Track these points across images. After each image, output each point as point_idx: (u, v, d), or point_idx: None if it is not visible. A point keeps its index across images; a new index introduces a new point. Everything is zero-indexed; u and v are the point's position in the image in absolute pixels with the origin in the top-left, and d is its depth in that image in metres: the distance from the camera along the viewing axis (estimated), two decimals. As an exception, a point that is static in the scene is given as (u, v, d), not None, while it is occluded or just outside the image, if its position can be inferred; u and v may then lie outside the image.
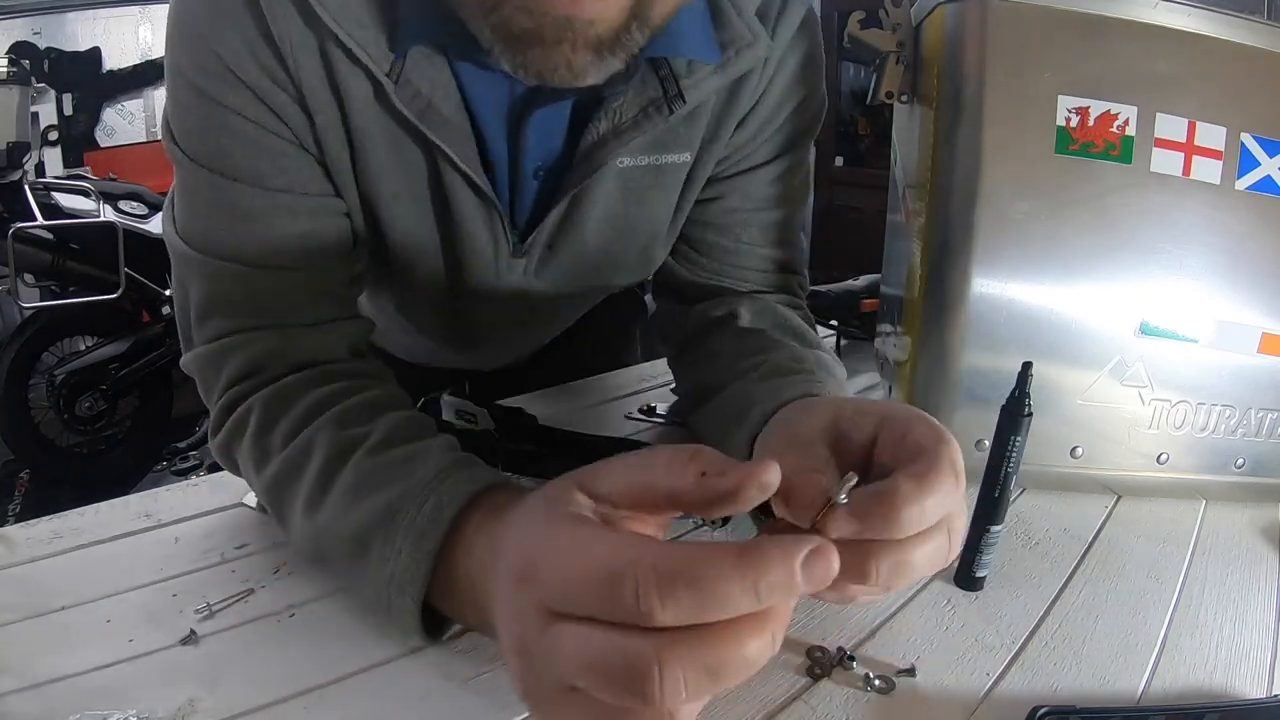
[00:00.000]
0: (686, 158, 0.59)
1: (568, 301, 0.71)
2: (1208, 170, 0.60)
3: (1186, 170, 0.60)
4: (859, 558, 0.33)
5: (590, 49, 0.42)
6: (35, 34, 3.73)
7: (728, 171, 0.63)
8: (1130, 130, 0.59)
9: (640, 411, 0.77)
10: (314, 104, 0.50)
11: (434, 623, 0.42)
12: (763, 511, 0.39)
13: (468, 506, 0.41)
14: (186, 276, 0.54)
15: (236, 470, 0.54)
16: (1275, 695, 0.44)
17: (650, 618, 0.27)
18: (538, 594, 0.30)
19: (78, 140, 3.85)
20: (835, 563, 0.27)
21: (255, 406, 0.51)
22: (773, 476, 0.31)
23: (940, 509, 0.34)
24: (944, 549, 0.35)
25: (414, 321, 0.74)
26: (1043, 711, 0.40)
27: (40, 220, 2.37)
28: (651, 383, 0.85)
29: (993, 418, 0.49)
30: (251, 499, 0.58)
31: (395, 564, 0.41)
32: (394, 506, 0.42)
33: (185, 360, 0.55)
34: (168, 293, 2.62)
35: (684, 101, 0.52)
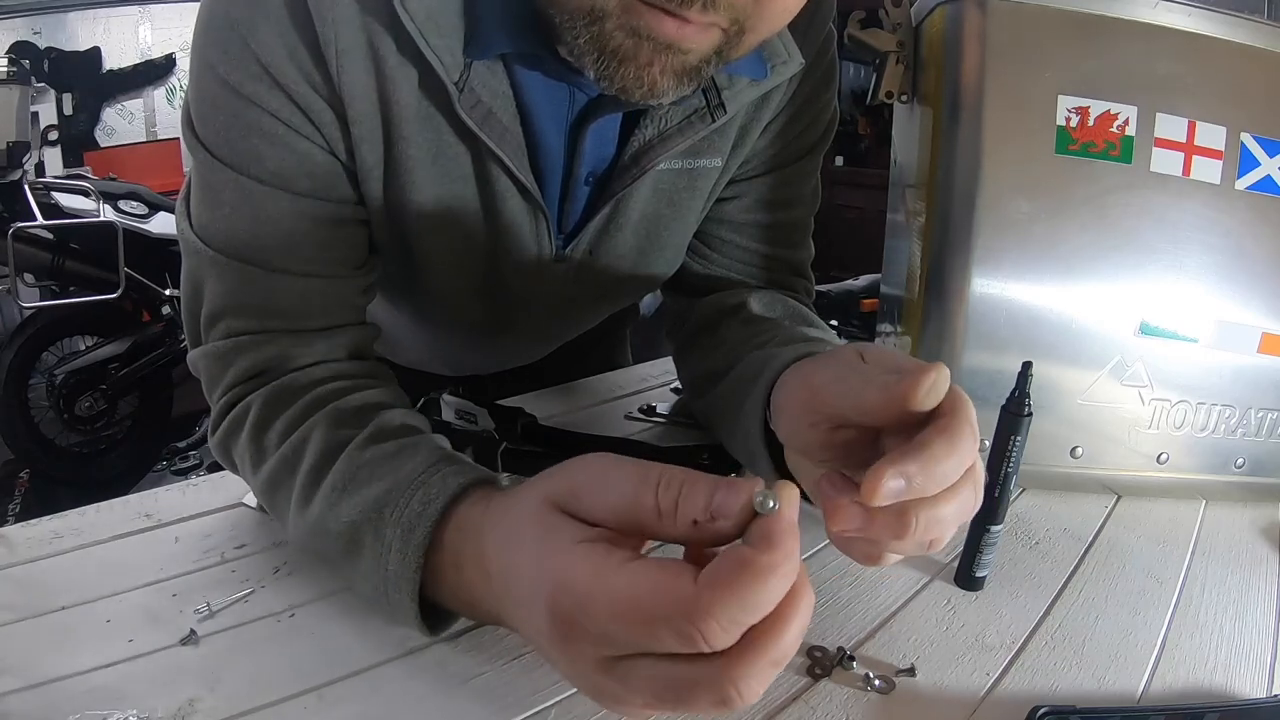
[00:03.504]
0: (718, 163, 0.61)
1: (602, 304, 0.71)
2: (1208, 170, 0.60)
3: (1186, 170, 0.60)
4: (898, 515, 0.35)
5: (675, 74, 0.44)
6: (35, 34, 3.73)
7: (747, 174, 0.65)
8: (1130, 130, 0.59)
9: (640, 411, 0.77)
10: (354, 111, 0.50)
11: (436, 616, 0.42)
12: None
13: (455, 499, 0.41)
14: (200, 274, 0.53)
15: (235, 468, 0.54)
16: (1275, 695, 0.44)
17: (715, 647, 0.28)
18: (590, 648, 0.31)
19: (77, 140, 3.85)
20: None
21: (254, 404, 0.51)
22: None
23: (967, 462, 0.36)
24: (971, 499, 0.37)
25: (441, 325, 0.74)
26: (1043, 711, 0.40)
27: (40, 220, 2.37)
28: (651, 383, 0.85)
29: (993, 418, 0.49)
30: (251, 499, 0.58)
31: (387, 559, 0.41)
32: (381, 501, 0.42)
33: (192, 356, 0.55)
34: (168, 293, 2.62)
35: (724, 111, 0.54)
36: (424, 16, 0.47)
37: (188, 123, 0.52)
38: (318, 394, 0.50)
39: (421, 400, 0.62)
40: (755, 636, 0.29)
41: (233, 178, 0.51)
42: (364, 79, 0.49)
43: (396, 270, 0.60)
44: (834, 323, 0.97)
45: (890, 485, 0.34)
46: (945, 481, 0.35)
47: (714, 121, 0.55)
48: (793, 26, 0.54)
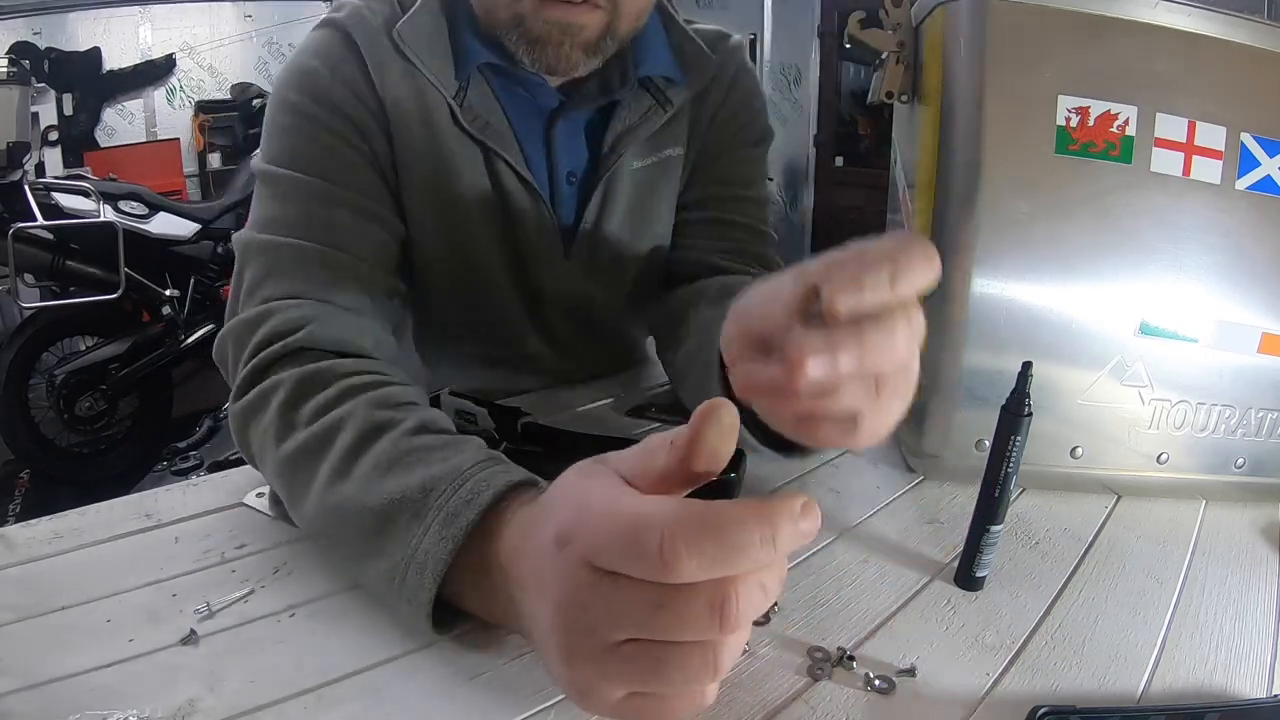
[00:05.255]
0: (680, 150, 0.75)
1: (613, 293, 0.78)
2: (1208, 170, 0.60)
3: (1186, 170, 0.60)
4: (853, 334, 0.32)
5: (581, 49, 0.63)
6: (35, 34, 3.73)
7: (707, 159, 0.78)
8: (1130, 130, 0.59)
9: (641, 411, 0.77)
10: (399, 126, 0.65)
11: (441, 613, 0.42)
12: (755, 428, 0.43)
13: (503, 496, 0.41)
14: (246, 262, 0.60)
15: (247, 443, 0.54)
16: (1275, 695, 0.44)
17: (673, 569, 0.27)
18: (578, 551, 0.31)
19: (78, 140, 3.85)
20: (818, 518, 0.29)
21: (285, 383, 0.52)
22: (719, 408, 0.31)
23: (911, 283, 0.33)
24: (920, 323, 0.35)
25: (477, 334, 0.79)
26: (1043, 711, 0.40)
27: (40, 220, 2.37)
28: (651, 383, 0.85)
29: (993, 418, 0.49)
30: (252, 498, 0.58)
31: (420, 541, 0.41)
32: (428, 485, 0.43)
33: (222, 332, 0.59)
34: (168, 293, 2.62)
35: (671, 104, 0.72)
36: (418, 45, 0.64)
37: (262, 158, 0.64)
38: (352, 382, 0.52)
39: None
40: (724, 584, 0.28)
41: (291, 176, 0.62)
42: (411, 97, 0.65)
43: (445, 277, 0.71)
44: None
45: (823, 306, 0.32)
46: (878, 300, 0.32)
47: (665, 112, 0.71)
48: (706, 38, 0.75)
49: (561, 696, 0.40)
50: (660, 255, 0.78)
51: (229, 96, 4.29)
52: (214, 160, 4.23)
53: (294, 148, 0.63)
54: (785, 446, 0.49)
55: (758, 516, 0.28)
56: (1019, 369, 0.48)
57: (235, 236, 0.63)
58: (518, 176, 0.68)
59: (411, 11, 0.65)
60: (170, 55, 4.14)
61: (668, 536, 0.27)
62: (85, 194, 2.50)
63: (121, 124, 4.08)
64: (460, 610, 0.43)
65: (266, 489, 0.58)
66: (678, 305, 0.71)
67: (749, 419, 0.39)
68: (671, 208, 0.77)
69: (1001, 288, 0.61)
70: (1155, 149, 0.59)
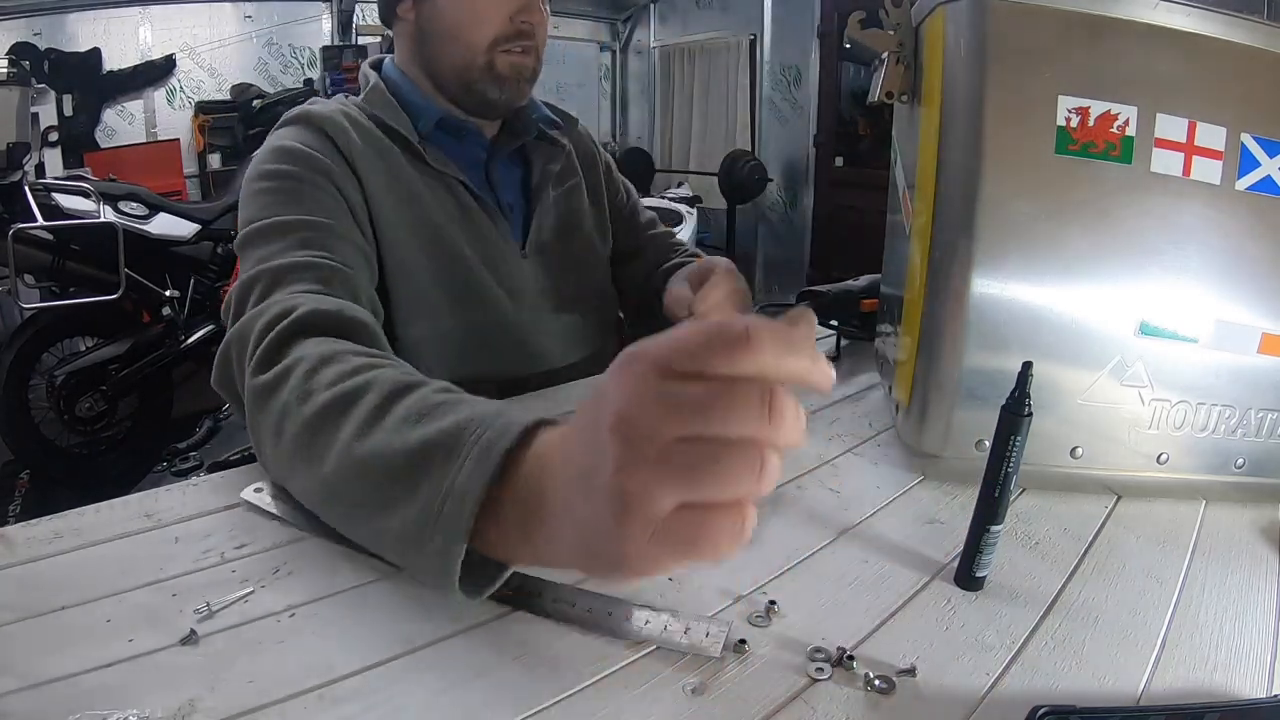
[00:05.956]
0: (578, 179, 1.03)
1: (567, 285, 0.98)
2: (1208, 170, 0.60)
3: (1186, 170, 0.60)
4: None
5: (527, 83, 0.91)
6: (35, 35, 3.74)
7: (617, 203, 1.11)
8: (1130, 130, 0.59)
9: None
10: (365, 172, 0.82)
11: (469, 569, 0.42)
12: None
13: (536, 426, 0.41)
14: (246, 295, 0.66)
15: (265, 417, 0.54)
16: (1275, 695, 0.44)
17: (757, 345, 0.30)
18: (649, 358, 0.32)
19: (78, 141, 3.85)
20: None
21: (307, 357, 0.54)
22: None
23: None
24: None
25: (467, 332, 0.90)
26: (1043, 711, 0.40)
27: (40, 221, 2.37)
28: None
29: (993, 418, 0.49)
30: (250, 493, 0.58)
31: (458, 473, 0.41)
32: (462, 425, 0.43)
33: (224, 341, 0.63)
34: (168, 293, 2.62)
35: (564, 145, 1.02)
36: (384, 113, 0.87)
37: (242, 227, 0.74)
38: (373, 356, 0.55)
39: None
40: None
41: (275, 221, 0.73)
42: (368, 153, 0.83)
43: (435, 286, 0.85)
44: (834, 322, 0.97)
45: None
46: None
47: (563, 149, 1.01)
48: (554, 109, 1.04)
49: (562, 696, 0.40)
50: (594, 245, 1.03)
51: (229, 97, 4.30)
52: (214, 161, 4.23)
53: (274, 201, 0.75)
54: None
55: (804, 328, 0.32)
56: (1019, 369, 0.48)
57: (228, 292, 0.69)
58: (473, 196, 0.89)
59: (366, 92, 0.90)
60: (170, 56, 4.14)
61: (751, 323, 0.30)
62: (85, 195, 2.50)
63: (121, 125, 4.08)
64: (486, 566, 0.43)
65: (266, 484, 0.58)
66: (635, 303, 1.08)
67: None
68: (588, 213, 1.03)
69: (1001, 288, 0.61)
70: (1155, 149, 0.59)
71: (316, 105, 0.85)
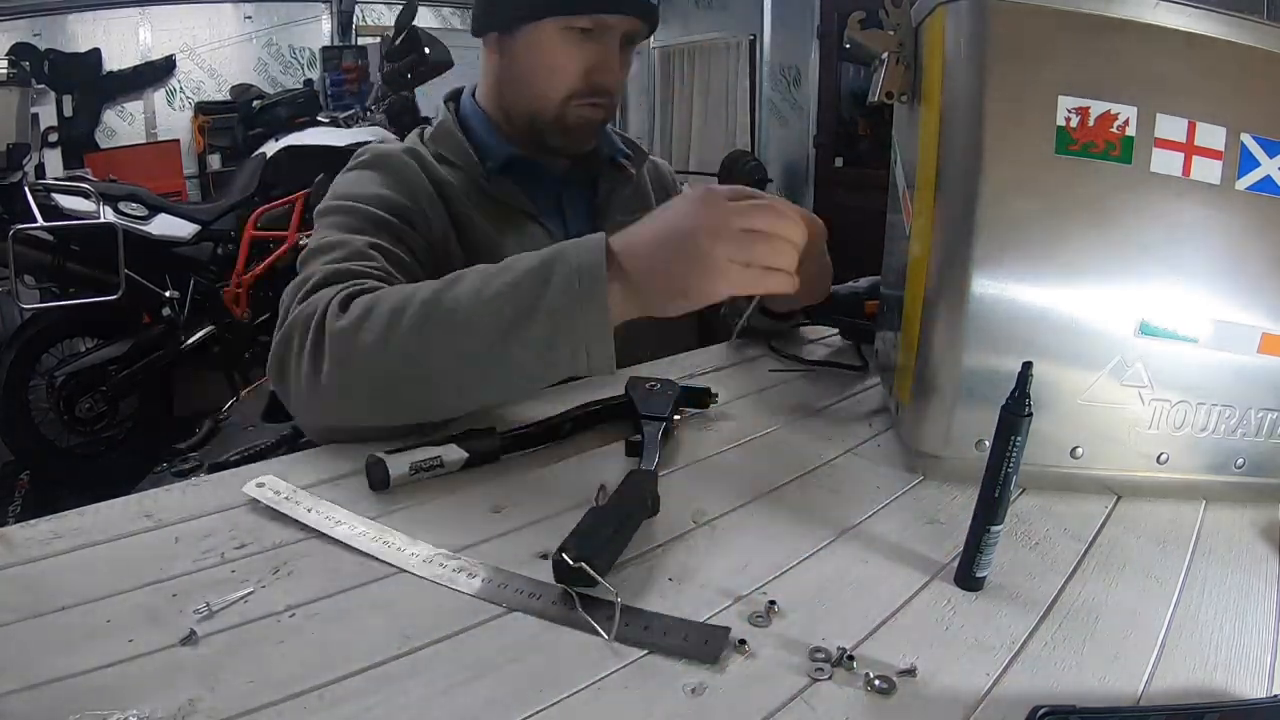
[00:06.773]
0: (651, 205, 1.01)
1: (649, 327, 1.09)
2: (1208, 170, 0.60)
3: (1186, 170, 0.59)
4: None
5: (594, 134, 0.97)
6: (35, 35, 3.74)
7: None
8: (1130, 130, 0.59)
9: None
10: (427, 205, 0.88)
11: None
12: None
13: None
14: (304, 265, 0.76)
15: (332, 334, 0.64)
16: (1275, 695, 0.44)
17: (781, 207, 0.63)
18: (723, 190, 0.63)
19: (77, 141, 3.86)
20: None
21: (391, 289, 0.67)
22: None
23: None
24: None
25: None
26: (1043, 711, 0.40)
27: (40, 221, 2.37)
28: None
29: (993, 418, 0.49)
30: (251, 487, 0.57)
31: (579, 259, 0.60)
32: (544, 257, 0.62)
33: (276, 340, 0.69)
34: (168, 294, 2.62)
35: (632, 173, 1.06)
36: (448, 147, 0.95)
37: (312, 255, 0.78)
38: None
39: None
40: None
41: (343, 238, 0.79)
42: (426, 187, 0.90)
43: None
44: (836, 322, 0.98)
45: None
46: None
47: (630, 180, 1.05)
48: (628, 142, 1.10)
49: (562, 696, 0.40)
50: None
51: (229, 98, 4.30)
52: (214, 161, 4.24)
53: (344, 224, 0.82)
54: (778, 316, 0.97)
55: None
56: (1019, 369, 0.48)
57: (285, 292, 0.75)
58: (543, 228, 0.94)
59: (433, 131, 0.97)
60: (170, 57, 4.15)
61: (776, 202, 0.63)
62: (85, 195, 2.50)
63: (121, 125, 4.09)
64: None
65: (266, 478, 0.59)
66: None
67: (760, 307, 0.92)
68: None
69: (1001, 288, 0.61)
70: (1155, 149, 0.59)
71: (385, 147, 0.92)
